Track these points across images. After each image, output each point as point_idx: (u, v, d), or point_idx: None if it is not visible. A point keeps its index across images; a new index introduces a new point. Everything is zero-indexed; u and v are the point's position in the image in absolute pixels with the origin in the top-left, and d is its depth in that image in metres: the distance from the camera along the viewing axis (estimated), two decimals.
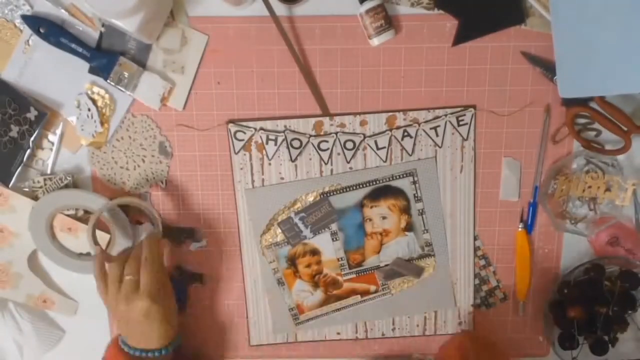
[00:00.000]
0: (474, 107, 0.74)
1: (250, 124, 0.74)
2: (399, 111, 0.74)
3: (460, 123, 0.74)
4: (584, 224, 0.77)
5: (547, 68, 0.72)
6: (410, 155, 0.75)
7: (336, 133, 0.74)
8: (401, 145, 0.75)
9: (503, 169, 0.76)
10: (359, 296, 0.80)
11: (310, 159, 0.75)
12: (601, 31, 0.63)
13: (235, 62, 0.73)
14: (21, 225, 0.74)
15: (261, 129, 0.74)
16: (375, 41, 0.71)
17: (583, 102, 0.73)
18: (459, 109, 0.74)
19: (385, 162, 0.75)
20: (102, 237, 0.75)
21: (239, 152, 0.74)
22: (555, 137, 0.75)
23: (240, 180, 0.76)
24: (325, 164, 0.75)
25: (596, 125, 0.75)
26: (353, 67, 0.73)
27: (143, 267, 0.65)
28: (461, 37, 0.72)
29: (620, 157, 0.75)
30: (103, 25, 0.71)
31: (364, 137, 0.74)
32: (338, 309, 0.80)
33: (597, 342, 0.77)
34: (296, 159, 0.75)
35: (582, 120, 0.75)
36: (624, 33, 0.61)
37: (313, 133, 0.74)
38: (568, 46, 0.67)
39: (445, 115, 0.74)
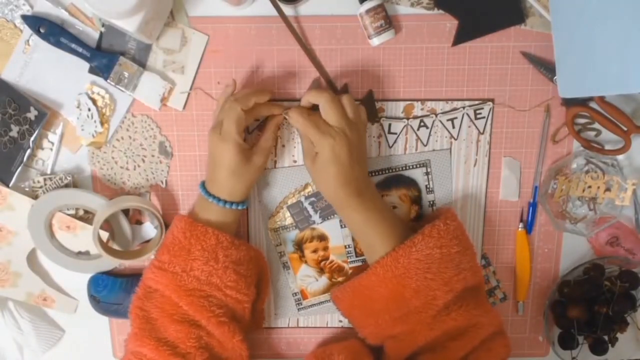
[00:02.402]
0: (492, 100, 0.74)
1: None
2: (417, 100, 0.74)
3: (478, 116, 0.74)
4: (584, 223, 0.77)
5: (547, 68, 0.72)
6: (425, 146, 0.75)
7: None
8: (416, 135, 0.75)
9: (503, 168, 0.76)
10: None
11: None
12: (601, 31, 0.63)
13: (235, 62, 0.73)
14: (20, 224, 0.74)
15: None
16: (375, 41, 0.71)
17: (583, 102, 0.73)
18: (477, 102, 0.74)
19: (391, 147, 0.75)
20: (101, 235, 0.75)
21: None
22: (555, 137, 0.75)
23: None
24: None
25: (596, 125, 0.75)
26: (353, 67, 0.73)
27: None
28: (461, 37, 0.72)
29: (620, 157, 0.75)
30: (103, 25, 0.71)
31: (380, 118, 0.74)
32: None
33: (597, 342, 0.77)
34: None
35: (582, 120, 0.75)
36: (624, 33, 0.61)
37: None
38: (568, 46, 0.67)
39: (463, 107, 0.74)
